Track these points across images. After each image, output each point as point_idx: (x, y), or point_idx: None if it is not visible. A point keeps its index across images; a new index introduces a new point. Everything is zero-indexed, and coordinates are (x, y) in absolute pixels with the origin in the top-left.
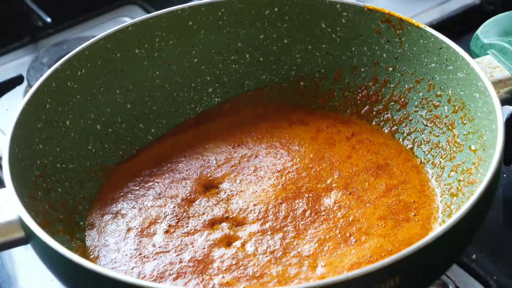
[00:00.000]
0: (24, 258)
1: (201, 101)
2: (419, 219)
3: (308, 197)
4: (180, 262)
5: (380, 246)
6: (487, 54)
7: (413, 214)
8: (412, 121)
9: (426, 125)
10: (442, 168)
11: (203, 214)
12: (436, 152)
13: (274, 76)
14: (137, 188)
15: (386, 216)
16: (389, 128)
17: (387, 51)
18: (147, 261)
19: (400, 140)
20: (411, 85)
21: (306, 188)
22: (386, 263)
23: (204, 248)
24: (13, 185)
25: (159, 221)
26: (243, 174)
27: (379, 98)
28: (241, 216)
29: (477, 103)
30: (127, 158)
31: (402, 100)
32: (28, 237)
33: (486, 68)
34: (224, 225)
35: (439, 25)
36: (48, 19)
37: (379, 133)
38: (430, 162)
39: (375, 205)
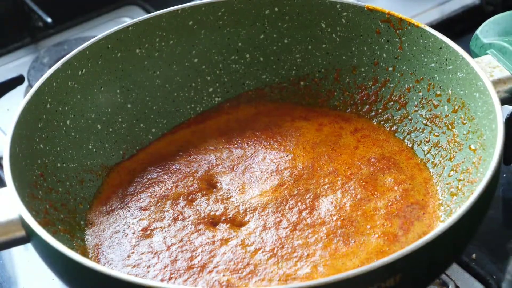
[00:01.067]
0: (24, 257)
1: (201, 101)
2: (426, 218)
3: (311, 195)
4: (180, 261)
5: (389, 249)
6: (487, 54)
7: (422, 212)
8: (412, 121)
9: (426, 125)
10: (442, 167)
11: (203, 213)
12: (436, 151)
13: (274, 76)
14: (137, 188)
15: (394, 215)
16: (389, 128)
17: (387, 51)
18: (147, 260)
19: (400, 139)
20: (411, 84)
21: (308, 186)
22: (386, 262)
23: (203, 247)
24: (14, 184)
25: (159, 220)
26: (243, 173)
27: (379, 97)
28: (241, 215)
29: (477, 103)
30: (127, 158)
31: (402, 99)
32: (29, 236)
33: (486, 68)
34: (224, 224)
35: (439, 25)
36: (49, 20)
37: (381, 130)
38: (430, 161)
39: (382, 201)
